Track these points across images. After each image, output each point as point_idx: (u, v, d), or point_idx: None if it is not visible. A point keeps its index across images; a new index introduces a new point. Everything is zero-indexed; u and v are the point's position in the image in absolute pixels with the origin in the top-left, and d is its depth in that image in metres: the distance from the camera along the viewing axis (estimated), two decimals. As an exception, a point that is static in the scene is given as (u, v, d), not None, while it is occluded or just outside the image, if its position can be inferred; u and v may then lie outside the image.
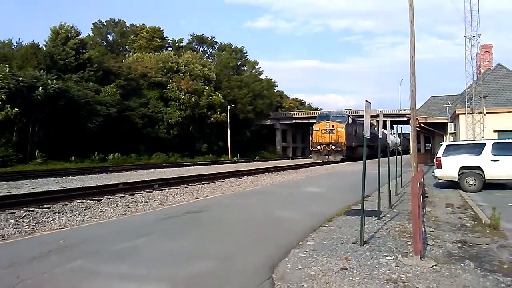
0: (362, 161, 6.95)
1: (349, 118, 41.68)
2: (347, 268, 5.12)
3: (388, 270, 5.06)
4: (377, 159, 9.16)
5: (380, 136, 10.12)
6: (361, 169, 6.89)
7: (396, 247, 6.19)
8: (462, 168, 13.95)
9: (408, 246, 6.18)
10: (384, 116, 14.47)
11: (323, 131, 39.70)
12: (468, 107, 23.27)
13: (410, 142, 18.34)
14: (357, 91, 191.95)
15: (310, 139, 42.20)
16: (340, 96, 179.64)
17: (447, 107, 27.04)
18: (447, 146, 15.10)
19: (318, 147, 39.43)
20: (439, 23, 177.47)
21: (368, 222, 7.81)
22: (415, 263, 5.29)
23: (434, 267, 5.20)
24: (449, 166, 14.15)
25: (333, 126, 39.41)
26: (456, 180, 14.06)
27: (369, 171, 7.91)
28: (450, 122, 26.81)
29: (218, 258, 5.59)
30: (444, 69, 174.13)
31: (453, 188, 14.34)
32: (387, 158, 12.33)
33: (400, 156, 15.28)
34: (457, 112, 24.27)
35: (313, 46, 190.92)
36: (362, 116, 7.64)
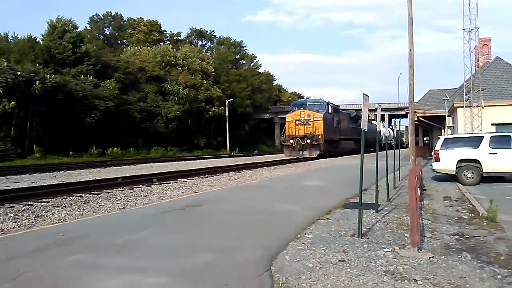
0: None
1: (329, 107, 35.26)
2: (345, 260, 5.16)
3: (386, 262, 5.11)
4: (374, 154, 9.19)
5: (378, 129, 10.06)
6: (359, 163, 6.92)
7: (394, 240, 6.24)
8: (460, 161, 14.01)
9: (406, 238, 6.23)
10: (383, 109, 14.45)
11: (297, 122, 33.11)
12: (466, 101, 23.28)
13: (408, 135, 18.37)
14: (357, 84, 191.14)
15: (283, 132, 35.07)
16: (340, 90, 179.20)
17: (446, 101, 27.03)
18: (445, 139, 15.14)
19: (291, 141, 32.79)
20: (438, 17, 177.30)
21: (366, 215, 7.85)
22: (413, 255, 5.34)
23: (431, 258, 5.25)
24: (447, 159, 14.21)
25: (308, 115, 32.91)
26: (454, 173, 14.13)
27: (368, 165, 7.94)
28: (448, 116, 26.81)
29: (217, 250, 5.63)
30: (443, 63, 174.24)
31: (451, 181, 14.41)
32: (385, 152, 12.36)
33: (398, 150, 15.31)
34: (455, 105, 24.27)
35: (314, 39, 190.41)
36: (360, 110, 7.66)
